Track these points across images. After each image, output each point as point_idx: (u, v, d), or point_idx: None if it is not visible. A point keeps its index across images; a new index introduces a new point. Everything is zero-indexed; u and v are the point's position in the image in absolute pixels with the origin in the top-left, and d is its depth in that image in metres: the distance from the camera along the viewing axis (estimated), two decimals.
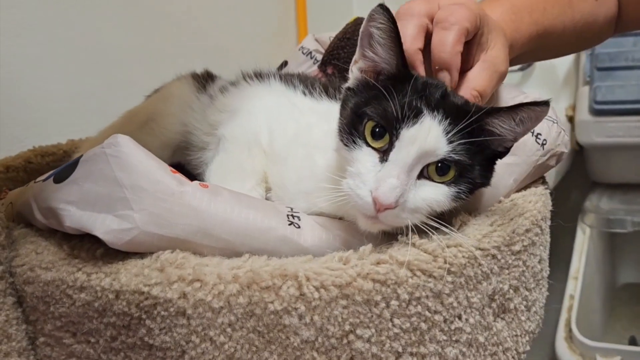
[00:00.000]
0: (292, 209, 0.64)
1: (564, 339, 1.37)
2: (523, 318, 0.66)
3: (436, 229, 0.59)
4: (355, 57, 0.65)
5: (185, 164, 0.83)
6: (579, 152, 1.76)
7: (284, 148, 0.72)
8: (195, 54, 1.50)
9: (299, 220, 0.63)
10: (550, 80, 1.80)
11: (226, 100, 0.81)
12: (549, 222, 0.70)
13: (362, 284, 0.55)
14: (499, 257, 0.61)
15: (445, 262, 0.57)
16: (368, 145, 0.60)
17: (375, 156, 0.60)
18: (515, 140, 0.61)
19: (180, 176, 0.62)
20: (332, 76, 0.99)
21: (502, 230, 0.62)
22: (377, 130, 0.59)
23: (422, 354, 0.58)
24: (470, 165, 0.59)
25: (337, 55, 0.98)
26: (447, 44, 0.63)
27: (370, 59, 0.63)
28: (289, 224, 0.62)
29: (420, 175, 0.59)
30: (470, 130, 0.58)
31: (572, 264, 1.54)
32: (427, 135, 0.57)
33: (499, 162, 0.64)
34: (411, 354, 0.57)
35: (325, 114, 0.72)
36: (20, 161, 1.02)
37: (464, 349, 0.60)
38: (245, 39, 1.71)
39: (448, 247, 0.58)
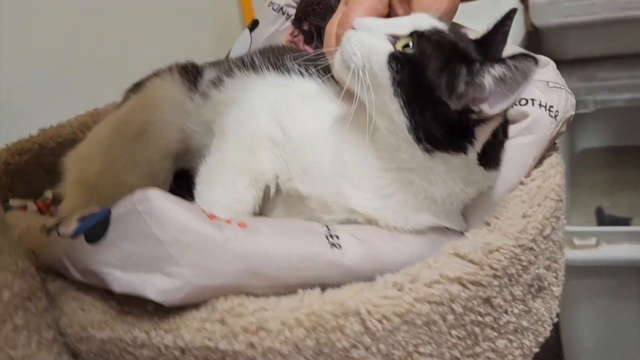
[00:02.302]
0: (328, 228, 0.65)
1: None
2: (554, 288, 0.70)
3: None
4: None
5: (189, 169, 0.81)
6: (534, 33, 1.76)
7: (302, 135, 0.71)
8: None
9: (339, 239, 0.64)
10: None
11: (223, 96, 0.78)
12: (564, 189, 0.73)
13: (420, 309, 0.57)
14: (535, 247, 0.64)
15: (491, 269, 0.60)
16: None
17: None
18: (493, 105, 0.60)
19: (218, 221, 0.61)
20: (308, 33, 0.95)
21: (534, 219, 0.64)
22: None
23: (476, 354, 0.62)
24: (434, 72, 0.62)
25: (312, 11, 0.94)
26: None
27: None
28: (331, 246, 0.63)
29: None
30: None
31: None
32: (424, 19, 0.66)
33: (517, 142, 0.66)
34: (468, 356, 0.61)
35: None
36: None
37: (511, 337, 0.64)
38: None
39: (491, 252, 0.60)
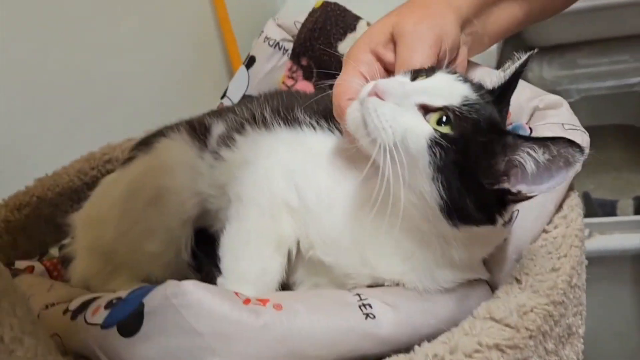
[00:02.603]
0: (360, 296, 0.65)
1: None
2: (580, 330, 0.71)
3: None
4: None
5: (207, 228, 0.80)
6: None
7: (319, 199, 0.70)
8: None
9: (371, 308, 0.64)
10: None
11: (235, 156, 0.76)
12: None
13: None
14: (565, 299, 0.65)
15: (527, 330, 0.61)
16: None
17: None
18: (531, 190, 0.59)
19: (253, 305, 0.60)
20: (307, 68, 0.94)
21: (563, 272, 0.65)
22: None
23: None
24: (471, 154, 0.59)
25: (311, 47, 0.92)
26: None
27: None
28: (365, 317, 0.63)
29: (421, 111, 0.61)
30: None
31: None
32: (451, 83, 0.63)
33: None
34: None
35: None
36: None
37: None
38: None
39: (525, 313, 0.61)
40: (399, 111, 0.60)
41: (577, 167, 0.57)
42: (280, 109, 0.77)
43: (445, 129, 0.59)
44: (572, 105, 1.72)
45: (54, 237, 1.00)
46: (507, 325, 0.60)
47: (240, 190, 0.72)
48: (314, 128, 0.75)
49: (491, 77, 0.69)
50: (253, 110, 0.78)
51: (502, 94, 0.68)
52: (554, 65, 1.71)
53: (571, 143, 0.56)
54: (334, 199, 0.69)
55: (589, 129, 1.99)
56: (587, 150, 0.74)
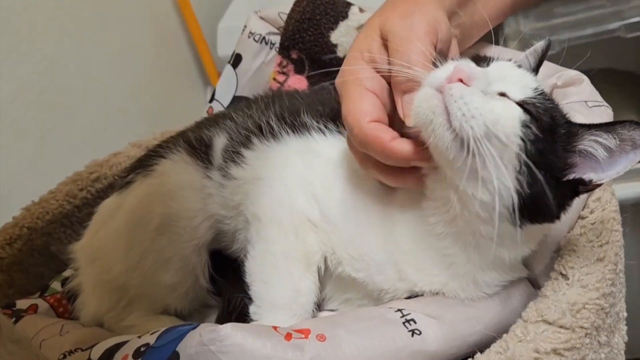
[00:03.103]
0: (402, 312, 0.61)
1: None
2: (625, 314, 0.69)
3: None
4: None
5: (222, 249, 0.75)
6: None
7: (345, 215, 0.66)
8: None
9: (416, 323, 0.60)
10: None
11: (246, 173, 0.71)
12: None
13: None
14: (614, 289, 0.62)
15: (582, 329, 0.58)
16: None
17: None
18: (603, 177, 0.57)
19: (297, 339, 0.57)
20: (298, 61, 0.89)
21: (608, 260, 0.62)
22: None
23: None
24: (550, 147, 0.55)
25: (301, 39, 0.87)
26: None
27: None
28: (412, 334, 0.60)
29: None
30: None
31: None
32: (518, 72, 0.60)
33: None
34: None
35: None
36: None
37: None
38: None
39: (578, 311, 0.58)
40: (486, 98, 0.54)
41: None
42: (285, 115, 0.72)
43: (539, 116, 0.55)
44: (554, 57, 1.70)
45: (51, 268, 0.94)
46: (561, 327, 0.58)
47: (258, 210, 0.68)
48: (323, 132, 0.70)
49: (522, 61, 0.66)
50: (257, 119, 0.73)
51: None
52: (530, 18, 1.66)
53: (634, 124, 0.54)
54: (360, 210, 0.65)
55: None
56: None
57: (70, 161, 1.00)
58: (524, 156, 0.54)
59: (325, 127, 0.70)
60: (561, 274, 0.62)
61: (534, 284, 0.66)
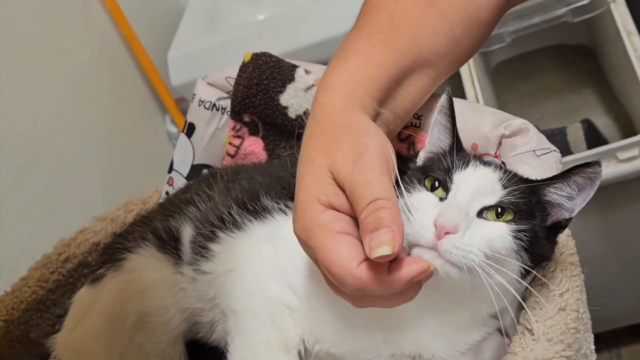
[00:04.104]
0: None
1: None
2: (592, 346, 0.72)
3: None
4: (426, 143, 0.70)
5: (200, 340, 0.77)
6: None
7: (321, 294, 0.67)
8: None
9: None
10: None
11: (217, 267, 0.72)
12: None
13: None
14: (578, 335, 0.65)
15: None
16: (428, 191, 0.63)
17: (435, 198, 0.62)
18: (573, 211, 0.63)
19: None
20: (252, 124, 0.89)
21: (569, 308, 0.64)
22: (436, 184, 0.63)
23: None
24: (529, 213, 0.62)
25: (251, 104, 0.87)
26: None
27: (434, 144, 0.69)
28: None
29: (479, 217, 0.61)
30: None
31: (467, 92, 1.59)
32: (481, 176, 0.62)
33: None
34: None
35: None
36: None
37: None
38: None
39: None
40: (472, 231, 0.59)
41: (599, 180, 0.61)
42: (245, 201, 0.73)
43: (508, 216, 0.61)
44: (506, 48, 1.70)
45: (33, 354, 0.95)
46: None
47: (233, 302, 0.69)
48: (285, 212, 0.71)
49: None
50: (219, 209, 0.74)
51: (457, 146, 0.67)
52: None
53: (587, 165, 0.60)
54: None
55: (521, 57, 1.99)
56: (561, 167, 0.73)
57: (36, 242, 1.00)
58: (522, 246, 0.60)
59: (286, 206, 0.71)
60: (527, 328, 0.64)
61: (503, 334, 0.69)
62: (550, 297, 0.66)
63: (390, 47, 0.67)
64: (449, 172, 0.63)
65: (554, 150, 0.72)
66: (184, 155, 0.91)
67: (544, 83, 1.90)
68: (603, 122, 1.77)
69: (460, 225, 0.57)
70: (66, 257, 0.98)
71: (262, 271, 0.69)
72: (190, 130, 0.91)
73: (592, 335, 0.73)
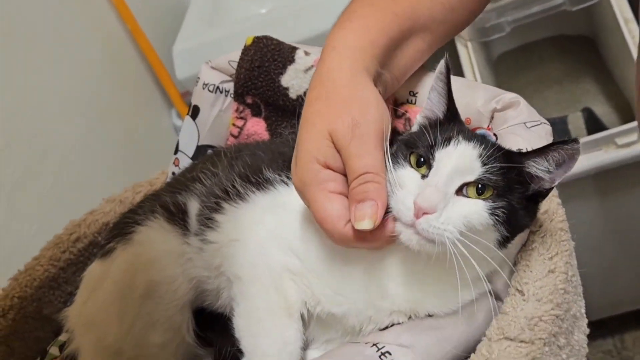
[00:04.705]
0: (377, 346, 0.66)
1: None
2: (583, 310, 0.74)
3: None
4: (423, 107, 0.72)
5: (207, 307, 0.80)
6: None
7: (322, 256, 0.70)
8: None
9: (391, 355, 0.65)
10: None
11: (222, 237, 0.76)
12: None
13: None
14: (567, 296, 0.68)
15: (540, 340, 0.63)
16: (412, 167, 0.66)
17: (418, 175, 0.65)
18: (554, 181, 0.66)
19: None
20: (254, 105, 0.92)
21: (558, 271, 0.67)
22: (421, 160, 0.66)
23: None
24: (508, 188, 0.64)
25: (253, 86, 0.91)
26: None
27: (429, 108, 0.71)
28: None
29: (459, 194, 0.64)
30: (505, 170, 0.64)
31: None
32: (461, 154, 0.64)
33: None
34: None
35: None
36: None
37: None
38: None
39: (536, 324, 0.64)
40: (449, 210, 0.62)
41: (578, 155, 0.63)
42: (248, 174, 0.76)
43: (488, 193, 0.63)
44: (505, 38, 1.72)
45: (47, 330, 0.99)
46: (522, 341, 0.63)
47: (238, 270, 0.73)
48: (287, 184, 0.74)
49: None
50: (223, 183, 0.77)
51: (451, 113, 0.70)
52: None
53: (564, 142, 0.63)
54: (335, 248, 0.69)
55: (522, 48, 2.00)
56: (551, 140, 0.76)
57: (48, 224, 1.04)
58: (495, 222, 0.63)
59: (287, 177, 0.75)
60: (517, 289, 0.67)
61: (496, 296, 0.71)
62: (540, 261, 0.69)
63: (391, 12, 0.73)
64: (431, 148, 0.65)
65: (544, 123, 0.74)
66: (189, 137, 0.95)
67: (544, 73, 1.92)
68: (603, 110, 1.79)
69: (438, 206, 0.61)
70: (77, 237, 1.01)
71: (265, 239, 0.72)
72: (195, 112, 0.94)
73: (583, 301, 0.75)
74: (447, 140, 0.65)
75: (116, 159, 1.68)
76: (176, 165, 0.96)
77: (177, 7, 2.02)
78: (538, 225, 0.72)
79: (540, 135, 0.73)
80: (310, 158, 0.64)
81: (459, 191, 0.64)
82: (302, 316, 0.72)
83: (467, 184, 0.64)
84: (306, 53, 0.88)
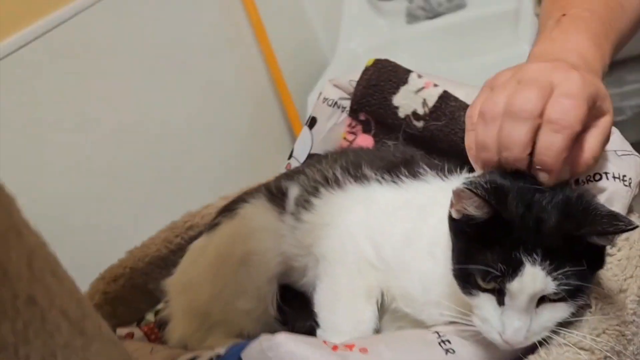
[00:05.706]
0: (439, 334, 0.69)
1: None
2: None
3: None
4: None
5: (292, 284, 0.86)
6: None
7: (397, 258, 0.75)
8: None
9: (450, 343, 0.68)
10: None
11: (315, 218, 0.82)
12: None
13: None
14: (636, 318, 0.68)
15: (601, 352, 0.64)
16: (483, 290, 0.64)
17: (492, 299, 0.64)
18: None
19: (341, 350, 0.66)
20: (366, 122, 1.00)
21: (631, 292, 0.69)
22: (487, 279, 0.63)
23: None
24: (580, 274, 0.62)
25: (367, 103, 0.99)
26: (554, 150, 0.62)
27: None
28: (445, 353, 0.67)
29: (539, 303, 0.63)
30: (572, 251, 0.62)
31: None
32: (532, 283, 0.61)
33: None
34: None
35: (414, 201, 0.76)
36: (99, 296, 1.04)
37: None
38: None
39: (598, 335, 0.64)
40: (534, 325, 0.64)
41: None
42: (349, 167, 0.83)
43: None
44: (626, 123, 1.72)
45: (147, 302, 1.08)
46: (581, 348, 0.64)
47: (326, 251, 0.79)
48: (380, 183, 0.80)
49: None
50: (324, 171, 0.85)
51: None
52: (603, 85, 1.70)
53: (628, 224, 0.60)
54: (410, 257, 0.73)
55: None
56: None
57: (168, 212, 1.15)
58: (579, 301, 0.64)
59: (383, 178, 0.81)
60: (587, 304, 0.68)
61: None
62: (613, 280, 0.70)
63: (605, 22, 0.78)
64: (501, 279, 0.62)
65: (635, 155, 0.76)
66: (304, 145, 1.03)
67: None
68: None
69: (526, 336, 0.63)
70: (190, 225, 1.12)
71: (354, 226, 0.78)
72: (312, 123, 1.03)
73: None
74: (515, 270, 0.61)
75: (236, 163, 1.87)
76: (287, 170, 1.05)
77: (317, 64, 2.19)
78: (617, 250, 0.73)
79: (629, 164, 0.75)
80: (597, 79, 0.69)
81: (539, 302, 0.63)
82: (378, 305, 0.76)
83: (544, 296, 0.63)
84: (419, 76, 0.95)
